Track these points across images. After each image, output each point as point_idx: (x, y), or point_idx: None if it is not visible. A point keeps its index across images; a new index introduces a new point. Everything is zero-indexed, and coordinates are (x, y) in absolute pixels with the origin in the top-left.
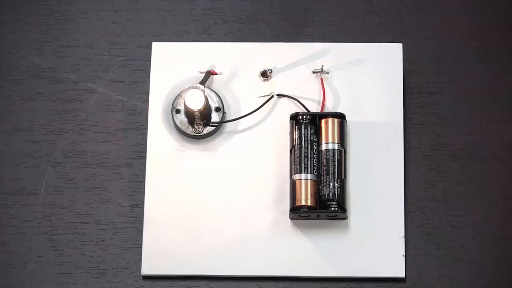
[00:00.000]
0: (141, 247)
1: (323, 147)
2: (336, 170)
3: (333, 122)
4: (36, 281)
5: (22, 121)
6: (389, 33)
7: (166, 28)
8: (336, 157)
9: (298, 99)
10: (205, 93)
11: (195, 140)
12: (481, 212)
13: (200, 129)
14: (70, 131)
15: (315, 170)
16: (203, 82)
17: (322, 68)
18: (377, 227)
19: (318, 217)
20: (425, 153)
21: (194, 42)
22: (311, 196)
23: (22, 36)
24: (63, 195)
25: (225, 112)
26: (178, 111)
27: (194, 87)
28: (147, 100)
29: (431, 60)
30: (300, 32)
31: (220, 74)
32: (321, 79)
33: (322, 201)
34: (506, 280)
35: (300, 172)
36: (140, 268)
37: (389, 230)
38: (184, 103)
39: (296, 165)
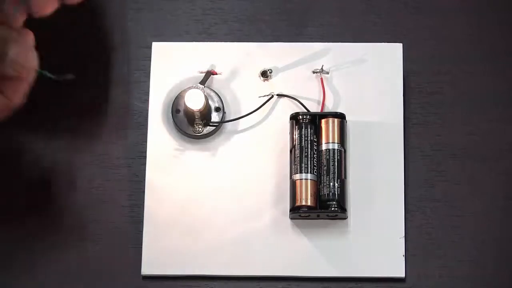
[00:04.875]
0: (141, 247)
1: (323, 147)
2: (336, 170)
3: (333, 122)
4: (36, 281)
5: None
6: (389, 33)
7: (166, 28)
8: (336, 157)
9: (298, 99)
10: (205, 93)
11: (195, 140)
12: (481, 212)
13: (200, 129)
14: None
15: (315, 170)
16: (203, 82)
17: (322, 68)
18: (377, 227)
19: (318, 217)
20: (425, 153)
21: (194, 42)
22: (311, 196)
23: None
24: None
25: (225, 112)
26: (178, 111)
27: (194, 87)
28: (147, 100)
29: (431, 60)
30: (300, 32)
31: (220, 74)
32: (321, 79)
33: (322, 201)
34: (506, 280)
35: (300, 172)
36: (140, 268)
37: (389, 230)
38: (184, 103)
39: (296, 165)
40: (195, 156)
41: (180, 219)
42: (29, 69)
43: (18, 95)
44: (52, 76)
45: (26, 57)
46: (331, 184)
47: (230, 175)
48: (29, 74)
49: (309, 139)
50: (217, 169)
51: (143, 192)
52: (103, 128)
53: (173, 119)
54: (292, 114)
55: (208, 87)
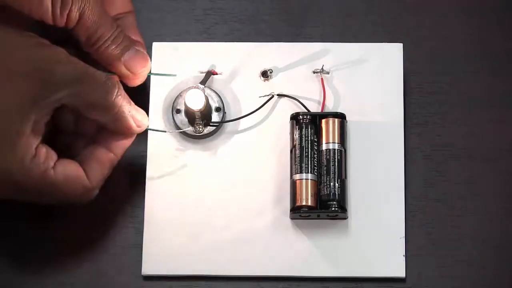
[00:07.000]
0: (141, 247)
1: (324, 147)
2: (336, 170)
3: (334, 122)
4: (36, 281)
5: None
6: (389, 33)
7: (166, 28)
8: (336, 157)
9: (298, 99)
10: (205, 93)
11: (195, 140)
12: (481, 212)
13: (200, 129)
14: None
15: (315, 170)
16: (203, 82)
17: (322, 68)
18: (377, 227)
19: (318, 217)
20: (425, 153)
21: (194, 42)
22: (311, 196)
23: None
24: None
25: (225, 112)
26: (178, 111)
27: (194, 87)
28: (147, 100)
29: (431, 60)
30: (300, 32)
31: (220, 74)
32: (322, 79)
33: (323, 201)
34: (506, 280)
35: (301, 172)
36: (140, 268)
37: (389, 230)
38: (185, 103)
39: (296, 165)
40: (195, 156)
41: (180, 219)
42: (144, 126)
43: (122, 151)
44: (164, 131)
45: (144, 114)
46: (332, 184)
47: (230, 175)
48: (141, 130)
49: (309, 139)
50: (217, 169)
51: (143, 192)
52: None
53: (173, 119)
54: (293, 114)
55: (209, 87)
